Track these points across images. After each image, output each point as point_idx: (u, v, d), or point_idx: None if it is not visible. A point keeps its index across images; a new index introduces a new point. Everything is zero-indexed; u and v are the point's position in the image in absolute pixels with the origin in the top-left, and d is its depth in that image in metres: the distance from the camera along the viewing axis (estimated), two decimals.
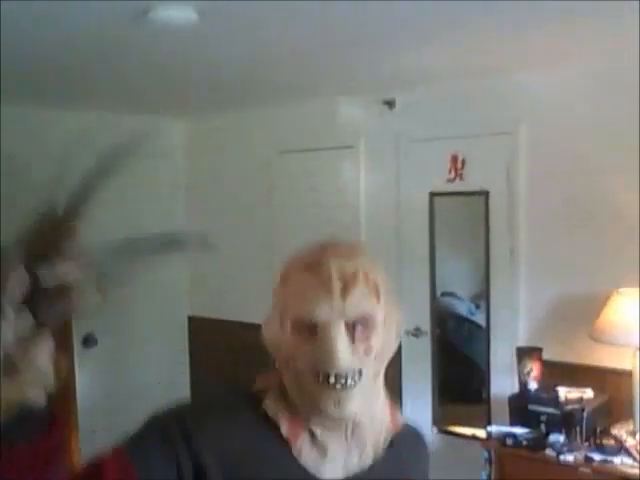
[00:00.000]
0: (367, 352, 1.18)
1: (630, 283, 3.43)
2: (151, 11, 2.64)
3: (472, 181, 4.23)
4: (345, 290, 1.17)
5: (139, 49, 3.33)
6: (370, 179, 4.72)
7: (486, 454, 3.59)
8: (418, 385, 4.51)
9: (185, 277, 5.79)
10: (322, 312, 1.16)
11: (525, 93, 3.99)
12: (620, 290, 3.43)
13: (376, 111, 4.59)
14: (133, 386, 5.23)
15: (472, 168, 4.23)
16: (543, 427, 3.49)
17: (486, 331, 4.26)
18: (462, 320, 4.86)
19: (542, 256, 3.97)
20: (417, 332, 4.49)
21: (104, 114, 5.20)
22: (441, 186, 4.35)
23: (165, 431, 1.17)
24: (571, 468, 3.28)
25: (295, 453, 1.21)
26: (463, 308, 4.90)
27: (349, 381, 1.16)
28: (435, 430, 4.45)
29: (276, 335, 1.25)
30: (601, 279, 3.63)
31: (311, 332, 1.17)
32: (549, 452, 3.36)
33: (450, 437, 4.39)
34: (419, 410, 4.49)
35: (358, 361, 1.17)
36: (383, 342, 1.21)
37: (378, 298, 1.21)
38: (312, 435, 1.22)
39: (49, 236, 1.09)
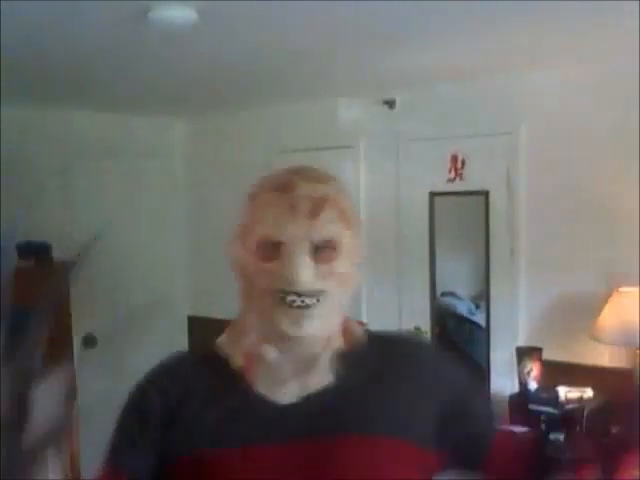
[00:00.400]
0: (330, 274, 1.18)
1: (630, 283, 3.43)
2: (151, 11, 2.63)
3: (472, 181, 4.23)
4: (313, 212, 1.17)
5: (139, 49, 3.33)
6: (370, 179, 4.72)
7: None
8: None
9: (185, 277, 5.79)
10: (288, 231, 1.16)
11: (525, 93, 3.99)
12: (620, 290, 3.43)
13: (376, 111, 4.59)
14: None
15: (472, 168, 4.23)
16: (543, 427, 3.48)
17: (486, 331, 4.26)
18: (462, 320, 4.85)
19: (542, 255, 3.97)
20: (417, 332, 4.49)
21: (104, 114, 5.20)
22: (441, 186, 4.35)
23: (130, 420, 1.27)
24: None
25: (249, 381, 1.21)
26: (463, 308, 4.90)
27: (309, 300, 1.16)
28: None
29: (240, 254, 1.25)
30: (601, 279, 3.64)
31: (275, 251, 1.17)
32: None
33: None
34: None
35: (320, 282, 1.17)
36: (347, 268, 1.21)
37: (345, 224, 1.21)
38: (267, 360, 1.21)
39: None
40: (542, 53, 3.55)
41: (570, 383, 3.63)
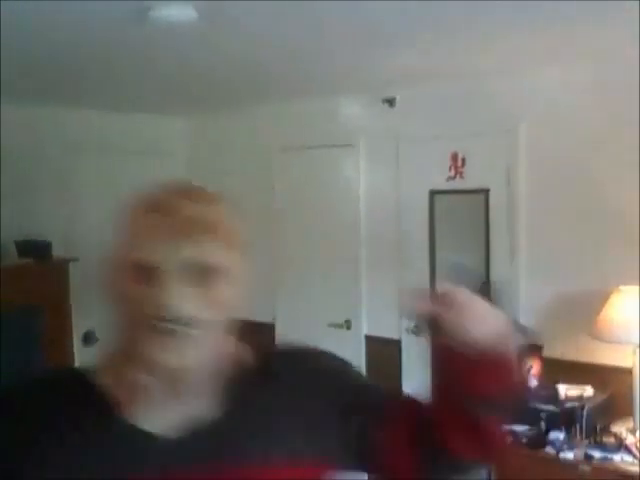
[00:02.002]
0: (210, 301, 1.09)
1: (630, 281, 3.44)
2: (151, 10, 2.64)
3: (472, 179, 4.23)
4: (194, 235, 1.08)
5: (139, 48, 3.33)
6: (370, 177, 4.73)
7: None
8: (418, 382, 4.50)
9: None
10: (165, 255, 1.07)
11: (525, 92, 3.99)
12: (620, 288, 3.44)
13: (376, 109, 4.59)
14: None
15: (472, 166, 4.23)
16: (543, 425, 3.49)
17: None
18: None
19: (542, 253, 3.98)
20: (417, 330, 4.49)
21: (105, 113, 5.20)
22: (441, 184, 4.35)
23: None
24: (571, 466, 3.28)
25: (122, 413, 1.12)
26: None
27: (185, 329, 1.07)
28: None
29: (113, 276, 1.12)
30: (601, 277, 3.64)
31: (152, 275, 1.07)
32: (549, 450, 3.37)
33: None
34: None
35: (198, 309, 1.08)
36: (228, 292, 1.12)
37: (230, 248, 1.13)
38: (144, 390, 1.11)
39: None
40: (542, 53, 3.55)
41: (570, 381, 3.63)
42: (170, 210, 1.09)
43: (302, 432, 1.20)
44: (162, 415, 1.13)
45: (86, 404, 1.14)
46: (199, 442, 1.13)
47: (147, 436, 1.12)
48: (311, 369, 1.29)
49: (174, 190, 1.15)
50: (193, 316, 1.07)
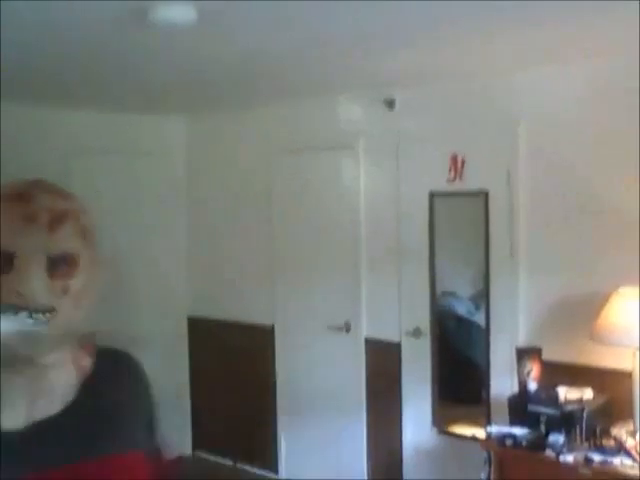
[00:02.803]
0: (64, 291, 1.12)
1: (630, 283, 3.43)
2: (151, 11, 2.63)
3: (472, 181, 4.23)
4: (52, 225, 1.12)
5: (139, 49, 3.33)
6: (370, 179, 4.72)
7: (486, 454, 3.59)
8: (418, 385, 4.50)
9: (185, 277, 5.78)
10: (23, 243, 1.09)
11: (525, 93, 3.99)
12: (620, 290, 3.43)
13: (376, 111, 4.59)
14: None
15: (472, 168, 4.22)
16: (543, 427, 3.48)
17: (486, 331, 4.26)
18: (462, 320, 4.85)
19: (542, 256, 3.97)
20: (417, 332, 4.49)
21: (104, 114, 5.20)
22: (441, 186, 4.35)
23: None
24: (571, 468, 3.28)
25: None
26: (463, 308, 4.89)
27: (40, 317, 1.08)
28: (435, 430, 4.44)
29: None
30: (601, 279, 3.63)
31: (8, 264, 1.09)
32: (549, 452, 3.36)
33: (450, 437, 4.39)
34: (419, 410, 4.49)
35: (53, 298, 1.11)
36: (83, 286, 1.16)
37: (84, 241, 1.17)
38: None
39: None
40: (542, 53, 3.55)
41: (570, 383, 3.62)
42: (31, 200, 1.12)
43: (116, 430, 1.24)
44: (13, 409, 1.12)
45: None
46: (43, 438, 1.13)
47: None
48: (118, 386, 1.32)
49: (34, 183, 1.19)
50: (51, 306, 1.09)
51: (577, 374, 3.71)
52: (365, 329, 4.78)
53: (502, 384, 4.06)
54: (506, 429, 3.59)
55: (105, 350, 1.33)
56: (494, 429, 3.65)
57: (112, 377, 1.30)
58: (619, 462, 3.22)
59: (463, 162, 4.25)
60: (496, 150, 4.11)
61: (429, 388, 4.48)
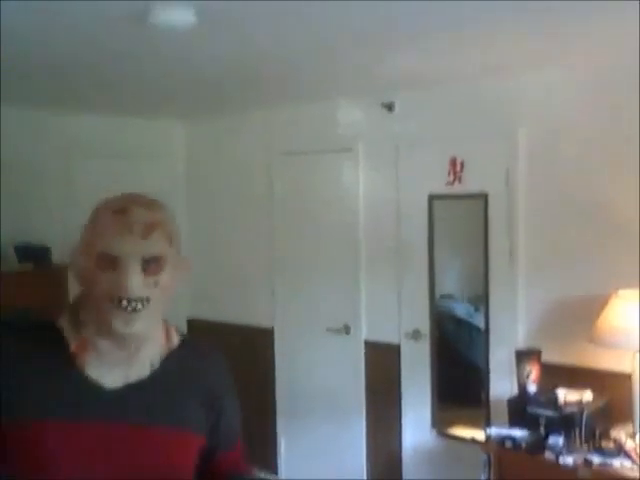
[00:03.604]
0: (155, 284, 1.44)
1: (629, 285, 3.43)
2: (151, 12, 2.64)
3: (471, 184, 4.23)
4: (145, 233, 1.42)
5: (139, 52, 3.33)
6: (369, 182, 4.73)
7: (485, 457, 3.59)
8: (417, 387, 4.51)
9: (185, 279, 5.77)
10: (124, 248, 1.40)
11: (524, 95, 3.99)
12: (619, 292, 3.43)
13: (375, 114, 4.59)
14: None
15: (471, 171, 4.23)
16: (542, 429, 3.48)
17: (485, 333, 4.26)
18: (461, 323, 4.86)
19: (541, 258, 3.97)
20: (416, 334, 4.50)
21: (104, 115, 5.20)
22: (440, 189, 4.35)
23: None
24: (570, 471, 3.28)
25: (80, 365, 1.45)
26: (462, 310, 4.90)
27: (138, 305, 1.41)
28: (434, 433, 4.45)
29: (81, 264, 1.46)
30: (600, 281, 3.64)
31: (112, 264, 1.41)
32: (548, 455, 3.36)
33: (449, 440, 4.39)
34: (418, 413, 4.50)
35: (147, 290, 1.42)
36: (170, 280, 1.47)
37: (170, 244, 1.48)
38: (99, 350, 1.45)
39: None
40: (541, 54, 3.56)
41: (569, 385, 3.63)
42: (128, 213, 1.44)
43: (193, 407, 1.56)
44: (112, 372, 1.46)
45: (50, 354, 1.45)
46: (136, 399, 1.48)
47: (96, 387, 1.45)
48: (210, 373, 1.65)
49: (131, 198, 1.52)
50: (146, 296, 1.42)
51: (577, 376, 3.72)
52: (365, 331, 4.78)
53: (501, 386, 4.06)
54: (505, 431, 3.59)
55: (193, 335, 1.62)
56: (493, 431, 3.65)
57: (191, 355, 1.61)
58: (619, 464, 3.22)
59: (462, 165, 4.25)
60: (495, 152, 4.11)
61: (428, 390, 4.48)
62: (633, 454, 3.25)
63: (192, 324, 5.76)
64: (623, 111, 3.60)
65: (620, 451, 3.29)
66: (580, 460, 3.28)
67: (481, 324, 4.39)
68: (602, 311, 3.45)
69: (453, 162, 4.28)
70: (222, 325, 5.51)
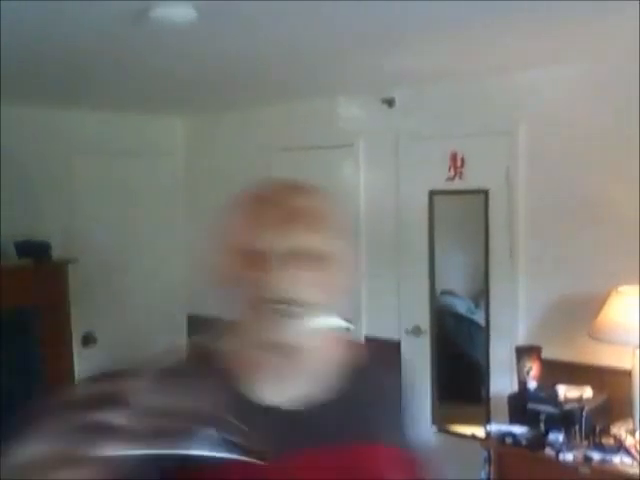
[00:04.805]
0: (315, 285, 1.18)
1: (629, 282, 3.43)
2: (151, 10, 2.63)
3: (472, 180, 4.23)
4: (299, 224, 1.17)
5: (139, 48, 3.33)
6: (370, 178, 4.72)
7: (485, 453, 3.59)
8: (417, 384, 4.51)
9: (185, 276, 5.79)
10: (279, 244, 1.16)
11: (525, 92, 3.99)
12: (619, 289, 3.43)
13: (375, 110, 4.59)
14: None
15: (472, 167, 4.23)
16: (542, 426, 3.48)
17: (485, 330, 4.26)
18: (461, 319, 4.86)
19: (541, 254, 3.97)
20: (416, 331, 4.50)
21: (104, 114, 5.20)
22: (441, 185, 4.35)
23: None
24: (570, 467, 3.28)
25: (238, 383, 1.21)
26: (462, 307, 4.90)
27: (295, 310, 1.16)
28: (434, 429, 4.45)
29: (223, 262, 1.22)
30: (600, 278, 3.63)
31: (260, 261, 1.16)
32: (548, 451, 3.36)
33: (449, 436, 4.40)
34: (418, 409, 4.49)
35: (306, 292, 1.17)
36: (332, 276, 1.21)
37: (331, 234, 1.21)
38: (257, 364, 1.21)
39: None
40: (541, 53, 3.55)
41: (569, 382, 3.63)
42: (277, 200, 1.19)
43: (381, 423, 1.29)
44: (270, 388, 1.21)
45: (220, 380, 1.18)
46: (315, 421, 1.20)
47: (268, 409, 1.19)
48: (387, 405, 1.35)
49: (279, 182, 1.26)
50: (305, 298, 1.16)
51: (577, 373, 3.72)
52: (365, 327, 4.78)
53: (502, 383, 4.06)
54: (506, 428, 3.60)
55: (372, 345, 1.42)
56: (494, 427, 3.65)
57: (375, 370, 1.35)
58: (618, 461, 3.23)
59: (463, 161, 4.25)
60: (496, 149, 4.11)
61: (429, 386, 4.48)
62: (633, 450, 3.25)
63: (192, 321, 5.77)
64: (623, 110, 3.60)
65: (620, 447, 3.29)
66: (580, 456, 3.29)
67: (481, 320, 4.40)
68: (602, 308, 3.45)
69: (454, 158, 4.28)
70: (222, 322, 5.50)
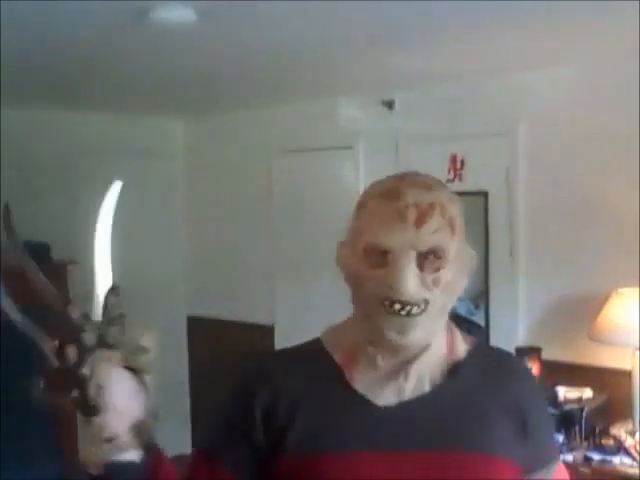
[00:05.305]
0: (435, 283, 1.18)
1: (629, 283, 3.43)
2: (151, 11, 2.64)
3: (471, 182, 4.23)
4: (419, 220, 1.16)
5: (139, 49, 3.33)
6: (369, 179, 4.68)
7: None
8: None
9: (185, 277, 5.79)
10: (394, 240, 1.16)
11: (525, 93, 3.99)
12: (619, 290, 3.43)
13: (375, 112, 4.59)
14: None
15: (471, 169, 4.22)
16: None
17: (485, 331, 4.26)
18: (461, 320, 4.85)
19: (541, 256, 3.97)
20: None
21: (104, 114, 5.20)
22: None
23: (234, 412, 1.28)
24: (570, 468, 3.21)
25: (349, 379, 1.22)
26: (462, 308, 4.88)
27: (414, 309, 1.16)
28: None
29: (348, 258, 1.25)
30: (600, 279, 3.64)
31: (382, 259, 1.17)
32: None
33: None
34: None
35: (425, 291, 1.17)
36: (452, 276, 1.21)
37: (452, 232, 1.21)
38: (369, 361, 1.22)
39: None
40: (541, 53, 3.55)
41: (569, 383, 3.63)
42: (399, 196, 1.18)
43: (499, 428, 1.24)
44: (384, 388, 1.21)
45: (320, 375, 1.25)
46: (416, 418, 1.21)
47: (373, 408, 1.20)
48: (522, 392, 1.31)
49: (401, 178, 1.25)
50: (424, 298, 1.17)
51: (576, 374, 3.72)
52: None
53: None
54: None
55: (487, 345, 1.39)
56: None
57: (487, 366, 1.31)
58: (618, 461, 3.23)
59: (462, 162, 4.25)
60: (495, 150, 4.11)
61: None
62: (633, 451, 3.25)
63: (192, 322, 5.77)
64: (623, 110, 3.60)
65: (620, 448, 3.29)
66: (580, 457, 3.29)
67: (481, 321, 4.39)
68: (602, 309, 3.45)
69: (453, 160, 4.28)
70: (222, 322, 5.51)
